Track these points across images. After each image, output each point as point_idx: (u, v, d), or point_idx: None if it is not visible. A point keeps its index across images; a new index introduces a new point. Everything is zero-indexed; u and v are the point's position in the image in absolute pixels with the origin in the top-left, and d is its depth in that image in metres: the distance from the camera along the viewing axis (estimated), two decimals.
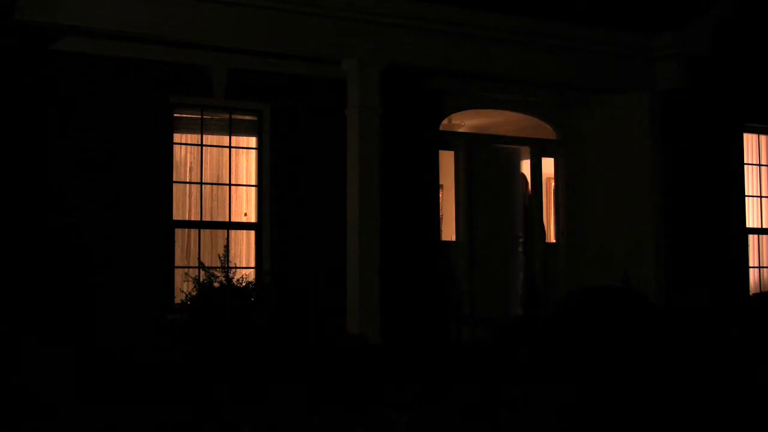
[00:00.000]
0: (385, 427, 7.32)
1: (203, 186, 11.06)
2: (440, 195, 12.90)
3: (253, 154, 11.32)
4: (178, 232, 10.87)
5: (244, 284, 9.93)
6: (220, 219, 11.11)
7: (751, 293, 12.92)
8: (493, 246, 12.85)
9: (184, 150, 11.02)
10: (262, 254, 11.15)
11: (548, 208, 13.80)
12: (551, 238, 13.29)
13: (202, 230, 10.99)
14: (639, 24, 12.21)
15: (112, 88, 10.44)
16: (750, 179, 13.41)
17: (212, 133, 11.16)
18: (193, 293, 9.93)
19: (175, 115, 10.90)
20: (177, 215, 10.87)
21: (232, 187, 11.22)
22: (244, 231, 11.21)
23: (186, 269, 10.69)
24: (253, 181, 11.28)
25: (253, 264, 11.16)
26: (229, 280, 9.86)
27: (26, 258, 9.82)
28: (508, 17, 11.23)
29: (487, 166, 12.88)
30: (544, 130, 13.31)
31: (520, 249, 12.80)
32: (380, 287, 10.36)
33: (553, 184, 13.69)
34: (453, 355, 11.07)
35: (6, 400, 7.89)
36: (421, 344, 11.11)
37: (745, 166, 13.27)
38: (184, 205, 10.97)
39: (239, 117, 11.28)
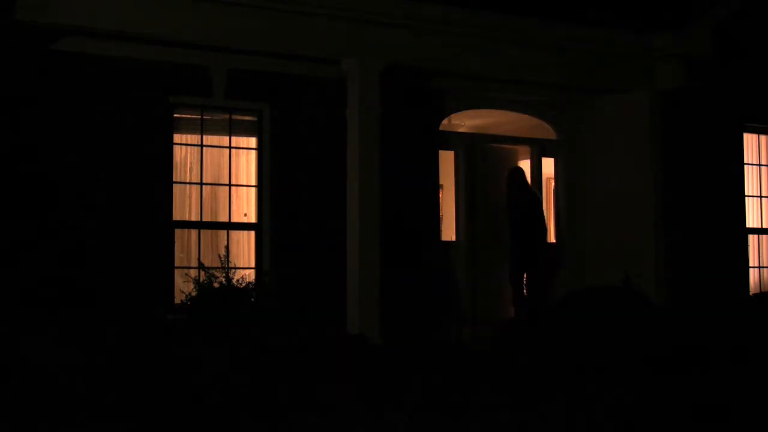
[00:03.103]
0: (385, 427, 7.32)
1: (203, 186, 11.05)
2: (440, 195, 12.90)
3: (253, 154, 11.32)
4: (178, 233, 10.87)
5: (244, 284, 9.92)
6: (220, 219, 11.11)
7: (751, 293, 12.92)
8: (494, 246, 12.85)
9: (184, 150, 11.02)
10: (262, 254, 11.15)
11: (548, 208, 13.80)
12: (551, 238, 13.29)
13: (202, 230, 10.98)
14: (639, 24, 12.21)
15: (112, 88, 10.44)
16: (750, 179, 13.42)
17: (212, 134, 11.16)
18: (193, 293, 9.91)
19: (175, 115, 10.90)
20: (177, 215, 10.86)
21: (232, 188, 11.22)
22: (244, 231, 11.21)
23: (186, 269, 10.68)
24: (253, 181, 11.28)
25: (253, 264, 11.16)
26: (229, 280, 9.85)
27: (26, 258, 9.81)
28: (508, 17, 11.23)
29: (487, 166, 12.86)
30: (544, 130, 13.31)
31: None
32: (380, 287, 10.36)
33: (553, 184, 13.68)
34: (453, 356, 11.06)
35: (6, 401, 7.89)
36: (421, 344, 11.10)
37: (745, 166, 13.27)
38: (184, 205, 10.97)
39: (239, 117, 11.27)
